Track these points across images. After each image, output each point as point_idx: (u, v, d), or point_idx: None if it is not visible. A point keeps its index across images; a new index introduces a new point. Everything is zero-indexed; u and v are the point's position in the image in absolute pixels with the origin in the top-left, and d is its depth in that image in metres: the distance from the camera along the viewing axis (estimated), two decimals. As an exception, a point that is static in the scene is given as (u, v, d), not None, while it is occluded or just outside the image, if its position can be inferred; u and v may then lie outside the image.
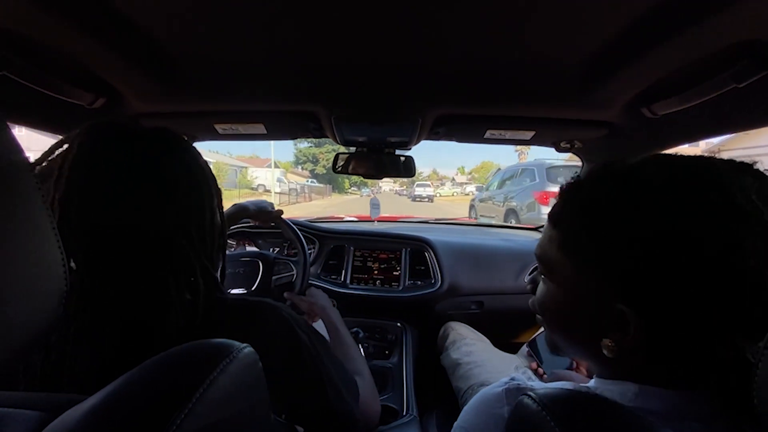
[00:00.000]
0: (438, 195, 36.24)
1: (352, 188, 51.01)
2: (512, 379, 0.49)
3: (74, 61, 0.68)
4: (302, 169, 50.14)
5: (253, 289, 1.15)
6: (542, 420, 0.32)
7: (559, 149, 1.21)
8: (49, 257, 0.29)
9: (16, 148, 0.26)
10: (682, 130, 0.91)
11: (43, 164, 0.46)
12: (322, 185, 37.43)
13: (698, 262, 0.35)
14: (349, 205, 18.81)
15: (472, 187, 41.74)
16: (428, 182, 36.08)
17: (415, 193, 28.45)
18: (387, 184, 57.92)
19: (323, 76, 0.81)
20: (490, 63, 0.74)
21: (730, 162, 0.39)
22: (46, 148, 0.47)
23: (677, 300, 0.36)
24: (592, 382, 0.46)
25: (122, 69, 0.74)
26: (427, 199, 27.14)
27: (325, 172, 46.82)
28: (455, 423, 0.56)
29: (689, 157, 0.40)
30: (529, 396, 0.35)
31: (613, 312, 0.39)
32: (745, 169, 0.38)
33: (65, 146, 0.46)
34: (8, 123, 0.27)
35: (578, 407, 0.33)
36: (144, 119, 0.97)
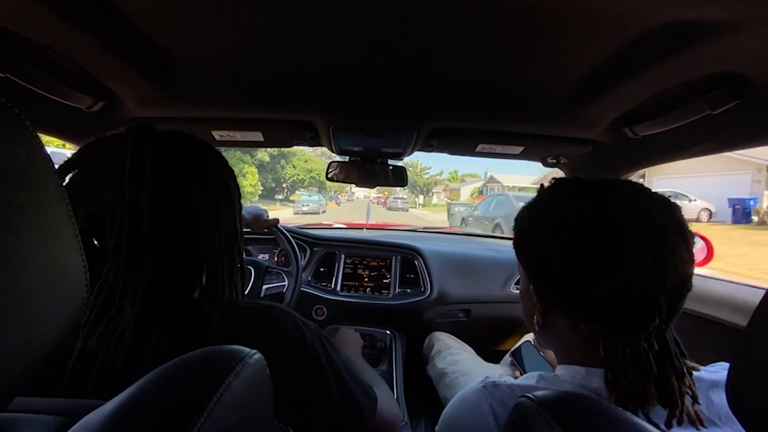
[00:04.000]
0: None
1: (299, 192, 29.11)
2: (487, 377, 0.55)
3: (75, 64, 0.68)
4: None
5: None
6: (540, 417, 0.35)
7: (546, 164, 1.26)
8: (71, 265, 0.29)
9: (40, 154, 0.26)
10: (660, 150, 0.97)
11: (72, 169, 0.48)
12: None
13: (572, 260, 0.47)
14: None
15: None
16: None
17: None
18: (361, 190, 46.48)
19: (322, 88, 0.83)
20: (485, 83, 0.78)
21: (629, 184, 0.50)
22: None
23: (560, 283, 0.48)
24: (557, 369, 0.53)
25: (122, 73, 0.74)
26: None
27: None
28: (439, 423, 0.60)
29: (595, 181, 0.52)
30: (527, 397, 0.39)
31: (530, 293, 0.54)
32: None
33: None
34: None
35: (572, 405, 0.38)
36: None
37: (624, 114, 0.86)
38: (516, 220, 0.57)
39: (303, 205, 19.48)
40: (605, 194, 0.48)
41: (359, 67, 0.74)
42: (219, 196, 0.53)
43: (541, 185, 0.56)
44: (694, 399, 0.44)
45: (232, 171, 0.57)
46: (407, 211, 27.18)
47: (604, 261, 0.45)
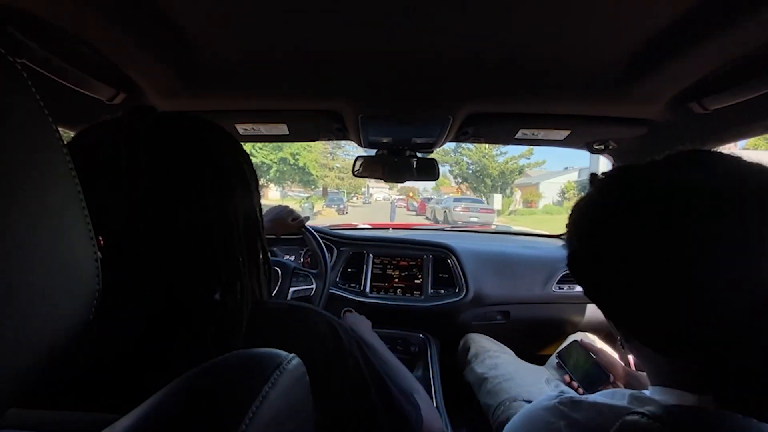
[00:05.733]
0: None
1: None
2: (561, 392, 0.51)
3: (98, 53, 0.65)
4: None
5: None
6: None
7: (593, 151, 1.16)
8: (83, 255, 0.25)
9: (53, 139, 0.24)
10: (730, 126, 0.85)
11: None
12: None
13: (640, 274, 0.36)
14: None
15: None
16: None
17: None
18: (380, 191, 39.97)
19: (352, 72, 0.78)
20: (530, 57, 0.71)
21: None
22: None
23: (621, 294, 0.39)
24: (650, 391, 0.44)
25: (145, 63, 0.71)
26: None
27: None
28: None
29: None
30: (640, 413, 0.32)
31: None
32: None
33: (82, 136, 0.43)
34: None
35: (702, 421, 0.31)
36: None
37: (691, 86, 0.76)
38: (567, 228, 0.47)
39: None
40: (677, 171, 0.37)
41: (390, 47, 0.68)
42: (233, 183, 0.47)
43: (592, 176, 0.46)
44: None
45: (247, 155, 0.51)
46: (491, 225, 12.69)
47: (684, 269, 0.33)
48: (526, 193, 26.73)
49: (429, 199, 22.03)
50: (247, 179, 0.49)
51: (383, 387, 0.50)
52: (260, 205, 0.52)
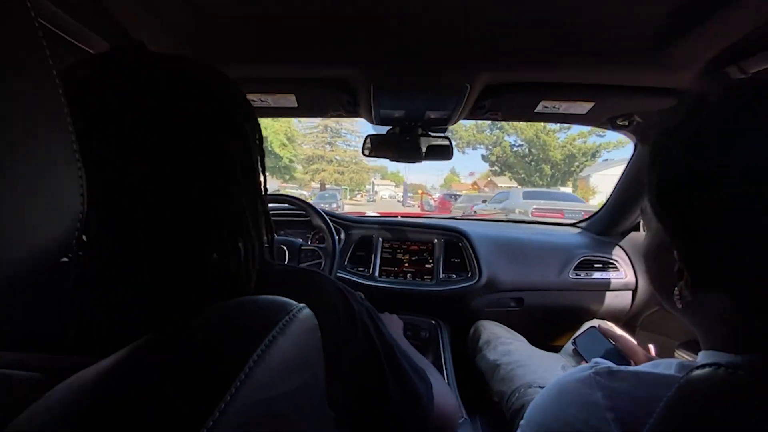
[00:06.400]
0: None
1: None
2: (596, 363, 0.45)
3: (94, 1, 0.62)
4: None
5: None
6: (745, 385, 0.25)
7: (615, 127, 1.10)
8: (65, 171, 0.23)
9: (42, 51, 0.22)
10: None
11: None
12: None
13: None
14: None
15: None
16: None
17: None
18: (386, 188, 37.70)
19: (363, 34, 0.74)
20: (557, 17, 0.66)
21: None
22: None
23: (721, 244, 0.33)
24: (699, 357, 0.41)
25: (146, 17, 0.68)
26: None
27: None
28: (524, 421, 0.50)
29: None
30: (713, 364, 0.28)
31: (667, 258, 0.39)
32: None
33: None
34: None
35: None
36: None
37: (729, 47, 0.70)
38: (655, 155, 0.40)
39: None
40: None
41: (403, 5, 0.63)
42: (232, 128, 0.42)
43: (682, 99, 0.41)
44: None
45: (248, 102, 0.46)
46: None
47: None
48: (581, 187, 20.09)
49: (454, 196, 15.20)
50: (245, 128, 0.44)
51: (394, 360, 0.46)
52: (263, 162, 0.47)
